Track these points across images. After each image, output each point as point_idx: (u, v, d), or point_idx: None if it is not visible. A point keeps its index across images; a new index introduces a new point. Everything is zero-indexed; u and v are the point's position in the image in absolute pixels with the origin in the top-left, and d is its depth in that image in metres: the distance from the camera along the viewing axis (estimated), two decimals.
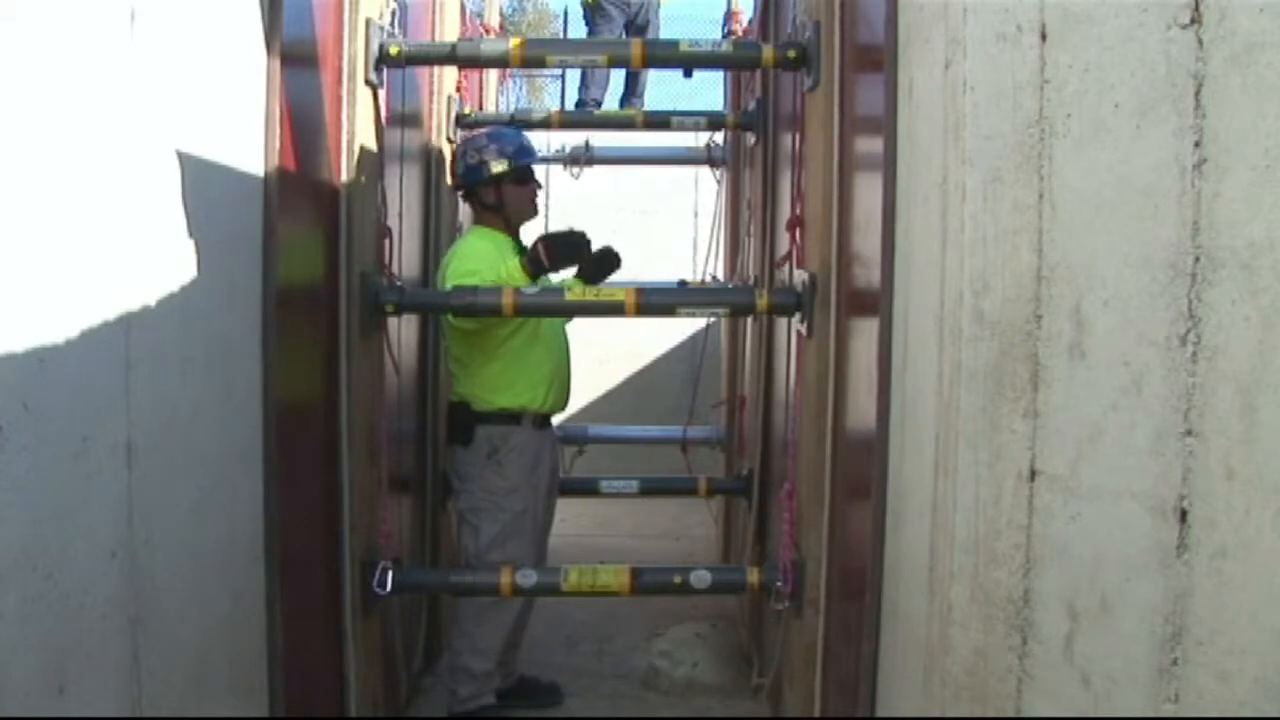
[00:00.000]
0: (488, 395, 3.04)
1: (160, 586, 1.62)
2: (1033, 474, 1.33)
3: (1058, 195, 1.29)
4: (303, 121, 2.21)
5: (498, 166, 3.07)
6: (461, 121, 3.76)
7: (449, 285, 2.89)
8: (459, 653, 3.09)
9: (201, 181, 1.76)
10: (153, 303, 1.60)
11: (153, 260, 1.62)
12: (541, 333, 3.10)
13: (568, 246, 2.90)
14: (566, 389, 3.22)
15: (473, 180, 3.11)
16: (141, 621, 1.55)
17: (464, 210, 3.94)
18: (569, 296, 2.83)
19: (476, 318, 2.88)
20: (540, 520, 3.16)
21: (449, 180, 3.45)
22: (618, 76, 7.03)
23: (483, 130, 3.30)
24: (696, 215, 6.46)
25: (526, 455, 3.07)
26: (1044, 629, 1.30)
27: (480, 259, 2.97)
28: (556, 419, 3.29)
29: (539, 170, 3.29)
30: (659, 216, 6.54)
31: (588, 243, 2.92)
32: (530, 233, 3.17)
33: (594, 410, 6.15)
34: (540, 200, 3.26)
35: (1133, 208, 1.14)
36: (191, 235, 1.73)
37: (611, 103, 7.02)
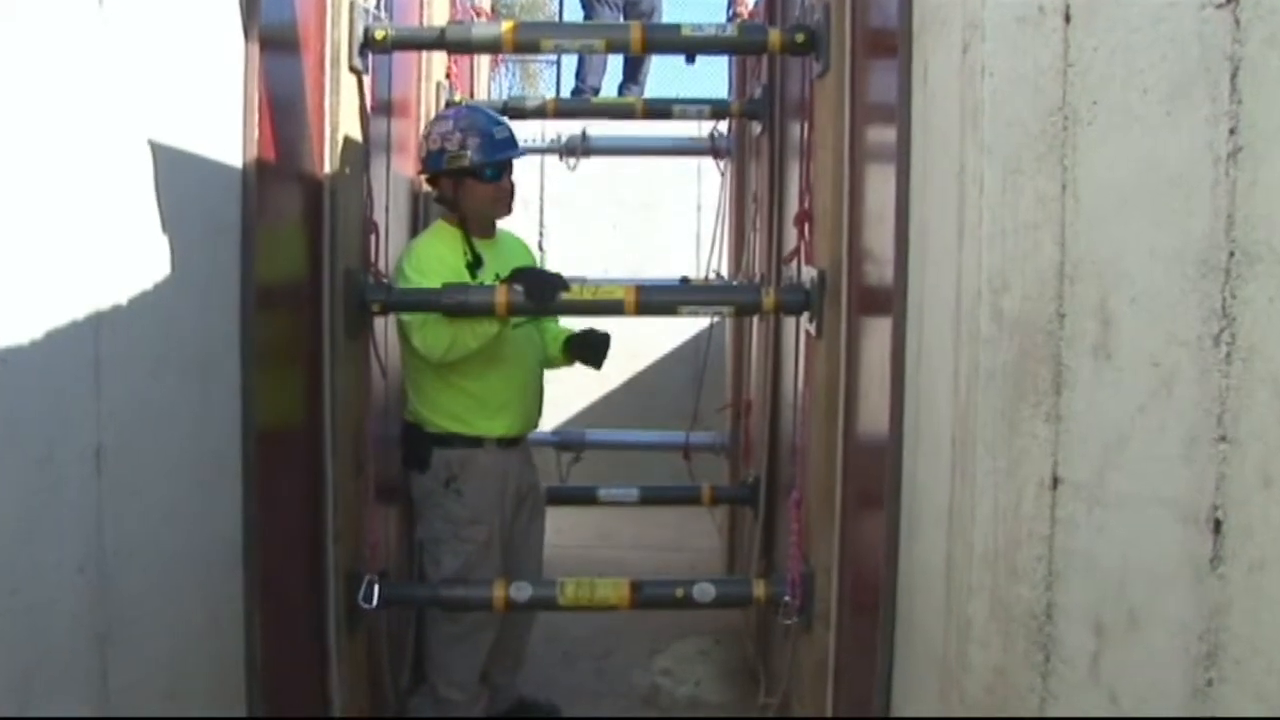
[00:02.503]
0: (441, 420, 2.94)
1: (131, 601, 1.61)
2: (1055, 482, 1.32)
3: (1082, 186, 1.28)
4: (283, 110, 2.20)
5: (460, 159, 2.86)
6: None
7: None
8: (435, 685, 3.05)
9: (176, 173, 1.75)
10: (124, 301, 1.59)
11: (124, 256, 1.61)
12: (503, 352, 2.92)
13: (541, 285, 2.68)
14: (535, 409, 3.09)
15: (432, 168, 2.92)
16: (111, 638, 1.54)
17: None
18: (566, 295, 2.81)
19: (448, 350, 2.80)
20: (506, 545, 3.05)
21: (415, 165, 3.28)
22: (616, 62, 7.03)
23: (451, 110, 3.10)
24: (699, 209, 6.44)
25: (490, 480, 2.96)
26: (1068, 646, 1.29)
27: (427, 272, 2.82)
28: (549, 424, 3.26)
29: (528, 162, 3.23)
30: (660, 210, 6.53)
31: (563, 284, 2.71)
32: (518, 227, 3.11)
33: (592, 414, 6.13)
34: (535, 192, 3.21)
35: (1162, 199, 1.13)
36: (165, 230, 1.72)
37: (610, 90, 7.01)
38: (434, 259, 2.90)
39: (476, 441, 2.95)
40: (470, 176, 2.90)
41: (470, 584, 2.88)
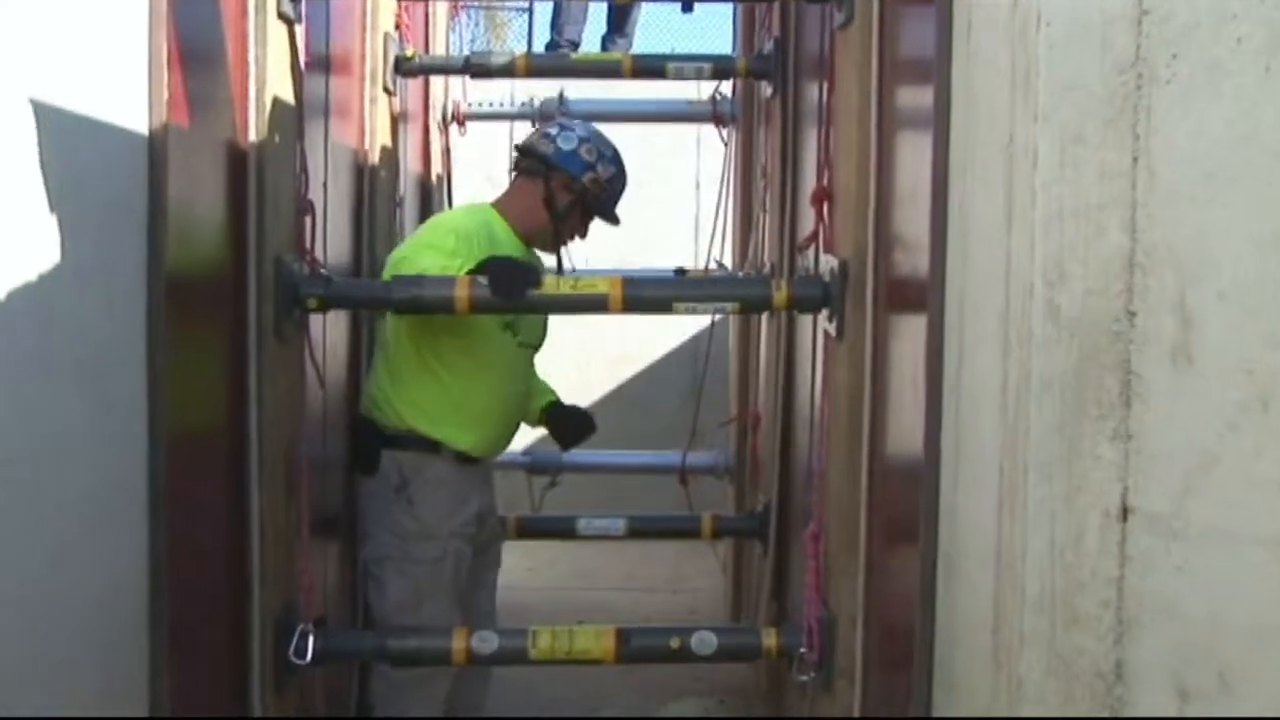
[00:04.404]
0: (405, 411, 3.03)
1: (9, 660, 1.58)
2: (1125, 512, 1.33)
3: (1158, 159, 1.27)
4: (198, 64, 2.18)
5: (598, 187, 3.15)
6: (403, 66, 3.74)
7: (401, 262, 2.91)
8: None
9: (67, 141, 1.72)
10: (2, 296, 1.56)
11: (2, 243, 1.58)
12: (501, 362, 3.09)
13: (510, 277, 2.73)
14: (507, 436, 3.23)
15: (564, 164, 3.13)
16: None
17: (405, 182, 3.93)
18: (539, 290, 2.79)
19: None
20: (464, 572, 3.11)
21: (519, 142, 3.40)
22: (599, 11, 7.03)
23: (597, 133, 3.35)
24: (698, 186, 6.47)
25: (446, 491, 3.04)
26: (1144, 711, 1.29)
27: (457, 236, 2.92)
28: (518, 442, 3.31)
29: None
30: (652, 188, 6.48)
31: (536, 276, 2.75)
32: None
33: None
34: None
35: (1258, 173, 1.12)
36: (54, 210, 1.69)
37: (592, 44, 7.02)
38: (469, 233, 2.97)
39: (433, 447, 3.03)
40: (579, 205, 3.17)
41: (425, 634, 2.90)
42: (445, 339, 3.01)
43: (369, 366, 3.43)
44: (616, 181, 3.21)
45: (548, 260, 3.33)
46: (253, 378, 2.43)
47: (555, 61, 5.08)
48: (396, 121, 3.83)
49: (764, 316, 3.80)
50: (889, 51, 2.26)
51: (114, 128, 1.89)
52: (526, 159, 3.22)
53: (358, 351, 3.44)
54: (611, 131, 5.78)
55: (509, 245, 3.09)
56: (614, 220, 3.27)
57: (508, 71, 4.01)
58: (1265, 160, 1.11)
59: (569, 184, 3.14)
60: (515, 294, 2.66)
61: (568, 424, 3.39)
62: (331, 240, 3.01)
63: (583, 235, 3.26)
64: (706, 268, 4.58)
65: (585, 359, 6.17)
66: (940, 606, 1.84)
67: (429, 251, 2.89)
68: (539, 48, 8.01)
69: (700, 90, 4.66)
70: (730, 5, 4.67)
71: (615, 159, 3.22)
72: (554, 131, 3.22)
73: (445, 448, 3.03)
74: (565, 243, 3.27)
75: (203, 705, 2.26)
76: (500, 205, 3.19)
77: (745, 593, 4.26)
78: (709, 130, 4.86)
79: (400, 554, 3.00)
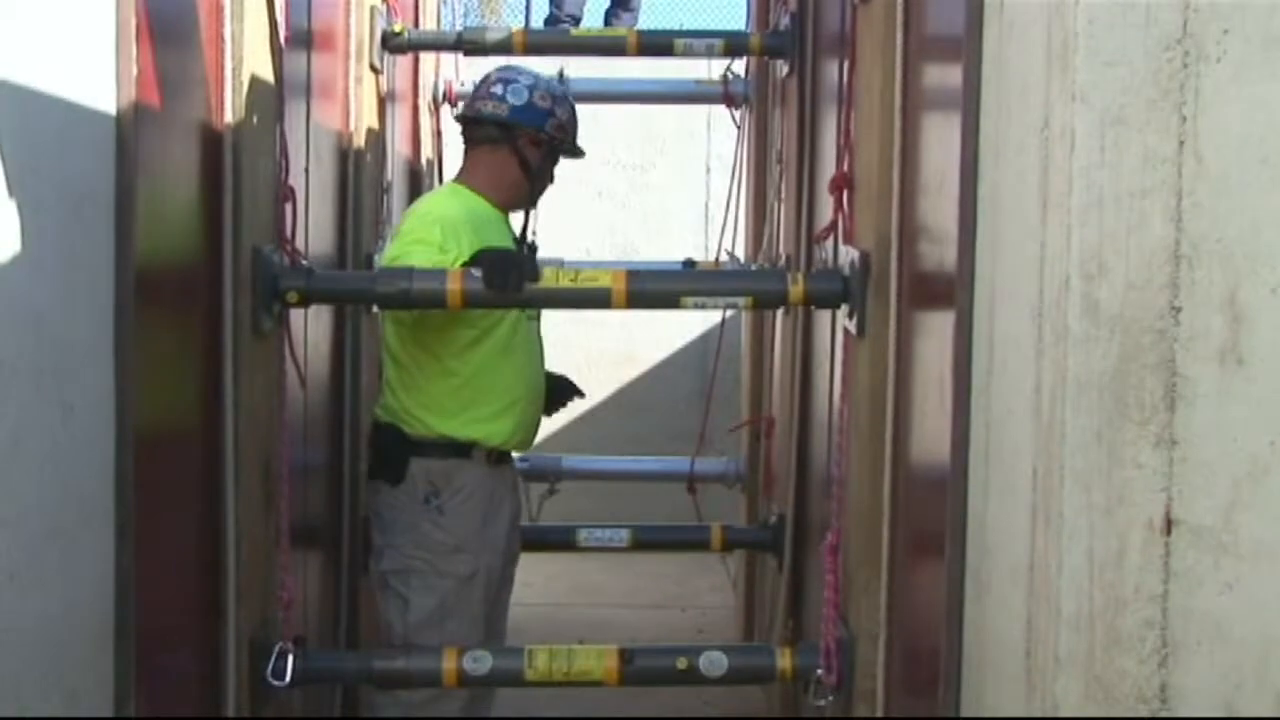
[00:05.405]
0: (430, 418, 3.04)
1: None
2: (1169, 524, 1.33)
3: (1206, 142, 1.27)
4: (170, 39, 2.18)
5: (564, 134, 3.20)
6: (390, 43, 3.75)
7: (389, 256, 2.93)
8: None
9: (27, 122, 1.72)
10: None
11: None
12: (518, 341, 3.12)
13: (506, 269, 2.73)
14: (537, 422, 3.25)
15: (526, 121, 3.15)
16: None
17: (392, 166, 3.94)
18: (537, 284, 2.79)
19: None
20: (493, 590, 3.14)
21: (465, 106, 3.41)
22: None
23: (550, 80, 3.39)
24: (709, 172, 6.46)
25: (478, 500, 3.07)
26: None
27: (442, 228, 2.95)
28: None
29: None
30: (658, 173, 6.54)
31: (533, 269, 2.75)
32: None
33: (571, 435, 6.12)
34: None
35: None
36: (13, 195, 1.69)
37: (594, 19, 7.02)
38: (454, 221, 3.00)
39: (464, 450, 3.05)
40: (550, 158, 3.24)
41: (412, 654, 2.89)
42: (458, 332, 3.02)
43: (354, 363, 3.44)
44: (574, 118, 3.29)
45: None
46: (228, 377, 2.43)
47: (555, 37, 5.10)
48: (383, 102, 3.84)
49: (779, 313, 3.80)
50: (915, 26, 2.26)
51: (78, 107, 1.89)
52: (482, 128, 3.22)
53: (341, 348, 3.44)
54: (616, 113, 5.83)
55: (495, 224, 3.12)
56: (579, 153, 3.35)
57: (504, 48, 4.02)
58: None
59: (535, 138, 3.18)
60: (512, 287, 2.67)
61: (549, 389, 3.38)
62: (313, 229, 3.01)
63: (551, 181, 3.32)
64: (717, 260, 4.59)
65: (586, 359, 6.17)
66: (968, 625, 1.84)
67: (418, 247, 2.92)
68: (537, 23, 8.03)
69: (711, 69, 4.67)
70: None
71: (565, 95, 3.30)
72: (499, 90, 3.20)
73: (479, 448, 3.06)
74: (527, 195, 3.29)
75: None
76: (470, 181, 3.21)
77: (758, 610, 4.26)
78: (720, 112, 4.86)
79: (427, 567, 3.02)
